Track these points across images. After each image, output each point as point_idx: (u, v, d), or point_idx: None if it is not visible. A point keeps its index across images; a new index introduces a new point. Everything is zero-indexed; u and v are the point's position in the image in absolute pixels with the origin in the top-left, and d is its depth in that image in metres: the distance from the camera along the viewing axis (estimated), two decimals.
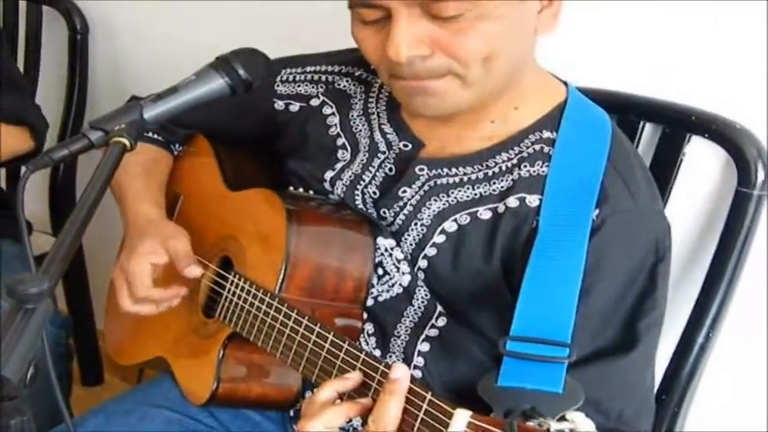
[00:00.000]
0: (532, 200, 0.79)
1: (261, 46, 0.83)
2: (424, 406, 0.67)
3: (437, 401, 0.66)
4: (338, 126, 0.93)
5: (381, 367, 0.71)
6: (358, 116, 0.92)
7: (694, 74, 0.96)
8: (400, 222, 0.85)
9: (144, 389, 1.01)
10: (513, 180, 0.81)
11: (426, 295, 0.85)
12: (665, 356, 0.95)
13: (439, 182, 0.84)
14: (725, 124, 0.92)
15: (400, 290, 0.86)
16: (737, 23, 0.92)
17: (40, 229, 1.55)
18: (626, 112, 0.97)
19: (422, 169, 0.85)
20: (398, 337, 0.87)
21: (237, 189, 0.96)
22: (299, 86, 0.96)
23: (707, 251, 0.95)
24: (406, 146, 0.88)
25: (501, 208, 0.81)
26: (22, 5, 1.59)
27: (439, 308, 0.85)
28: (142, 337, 1.04)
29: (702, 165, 0.96)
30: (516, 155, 0.82)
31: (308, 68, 0.97)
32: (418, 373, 0.86)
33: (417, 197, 0.85)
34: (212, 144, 1.04)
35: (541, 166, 0.80)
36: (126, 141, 0.70)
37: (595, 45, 1.01)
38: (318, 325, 0.78)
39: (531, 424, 0.60)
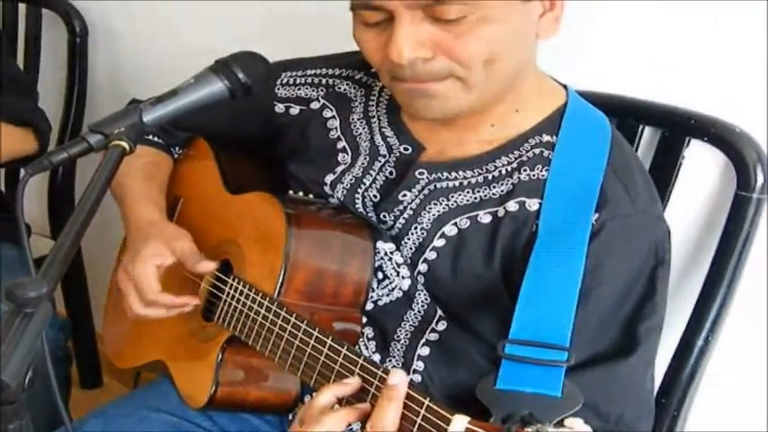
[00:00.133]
0: (532, 204, 0.79)
1: (261, 49, 0.83)
2: (422, 411, 0.67)
3: (435, 407, 0.66)
4: (338, 129, 0.93)
5: (380, 372, 0.71)
6: (358, 119, 0.92)
7: (694, 77, 0.96)
8: (400, 226, 0.85)
9: (143, 392, 1.00)
10: (512, 184, 0.81)
11: (426, 299, 0.85)
12: (664, 359, 0.95)
13: (439, 186, 0.84)
14: (724, 128, 0.92)
15: (400, 294, 0.86)
16: (737, 27, 0.92)
17: (38, 232, 1.55)
18: (625, 115, 0.97)
19: (422, 173, 0.85)
20: (398, 341, 0.87)
21: (237, 192, 0.96)
22: (299, 89, 0.96)
23: (706, 254, 0.95)
24: (406, 149, 0.88)
25: (501, 212, 0.81)
26: (22, 8, 1.59)
27: (439, 312, 0.85)
28: (141, 340, 1.04)
29: (702, 168, 0.96)
30: (516, 159, 0.82)
31: (309, 71, 0.97)
32: (418, 378, 0.85)
33: (417, 201, 0.85)
34: (212, 147, 1.04)
35: (541, 170, 0.81)
36: (125, 145, 0.70)
37: (595, 48, 1.01)
38: (317, 329, 0.78)
39: (528, 430, 0.60)
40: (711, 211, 0.97)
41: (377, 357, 0.87)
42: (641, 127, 0.98)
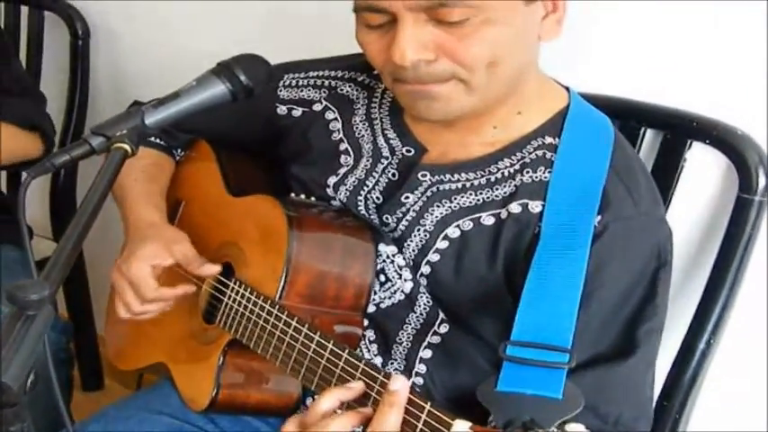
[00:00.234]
0: (535, 206, 0.79)
1: (262, 52, 0.83)
2: (423, 416, 0.67)
3: (436, 412, 0.66)
4: (341, 131, 0.93)
5: (381, 377, 0.71)
6: (361, 121, 0.92)
7: (695, 80, 0.96)
8: (403, 228, 0.85)
9: (144, 395, 1.00)
10: (515, 186, 0.81)
11: (428, 302, 0.85)
12: (666, 362, 0.95)
13: (441, 188, 0.84)
14: (726, 130, 0.92)
15: (402, 297, 0.86)
16: (738, 29, 0.92)
17: (40, 234, 1.55)
18: (627, 118, 0.97)
19: (424, 175, 0.85)
20: (400, 343, 0.87)
21: (239, 195, 0.96)
22: (301, 91, 0.96)
23: (708, 257, 0.95)
24: (408, 151, 0.88)
25: (504, 214, 0.81)
26: (24, 10, 1.59)
27: (441, 315, 0.84)
28: (142, 343, 1.04)
29: (703, 171, 0.96)
30: (519, 161, 0.82)
31: (311, 73, 0.97)
32: (420, 380, 0.85)
33: (420, 203, 0.85)
34: (214, 149, 1.04)
35: (544, 172, 0.81)
36: (127, 147, 0.70)
37: (597, 51, 1.01)
38: (318, 333, 0.77)
39: None
40: (713, 214, 0.96)
41: (378, 360, 0.87)
42: (643, 129, 0.98)
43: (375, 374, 0.71)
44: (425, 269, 0.84)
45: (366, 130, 0.91)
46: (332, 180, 0.91)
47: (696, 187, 0.96)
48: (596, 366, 0.74)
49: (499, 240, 0.80)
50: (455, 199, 0.83)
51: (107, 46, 1.59)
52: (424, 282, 0.84)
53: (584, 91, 0.90)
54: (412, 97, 0.79)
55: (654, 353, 0.79)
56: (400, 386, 0.68)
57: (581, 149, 0.81)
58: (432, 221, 0.83)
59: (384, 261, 0.86)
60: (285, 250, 0.83)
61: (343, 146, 0.92)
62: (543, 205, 0.79)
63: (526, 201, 0.80)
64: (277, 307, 0.82)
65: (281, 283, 0.83)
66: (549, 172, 0.80)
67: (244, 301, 0.86)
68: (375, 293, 0.87)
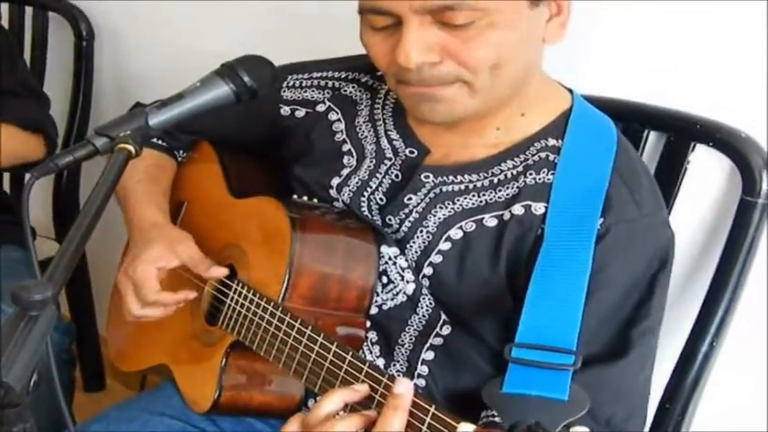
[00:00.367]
0: (538, 207, 0.79)
1: (266, 53, 0.84)
2: (428, 420, 0.66)
3: (440, 415, 0.66)
4: (344, 132, 0.93)
5: (385, 380, 0.71)
6: (364, 122, 0.92)
7: (699, 82, 0.96)
8: (406, 229, 0.85)
9: (146, 396, 1.00)
10: (518, 188, 0.81)
11: (431, 304, 0.85)
12: (668, 365, 0.95)
13: (444, 189, 0.84)
14: (729, 133, 0.92)
15: (404, 298, 0.86)
16: (742, 32, 0.92)
17: (43, 235, 1.55)
18: (630, 120, 0.97)
19: (427, 176, 0.85)
20: (402, 345, 0.87)
21: (241, 196, 0.96)
22: (305, 92, 0.96)
23: (711, 260, 0.95)
24: (412, 152, 0.88)
25: (506, 215, 0.81)
26: (29, 11, 1.60)
27: (443, 316, 0.84)
28: (145, 344, 1.04)
29: (707, 173, 0.95)
30: (521, 162, 0.82)
31: (315, 74, 0.97)
32: (422, 382, 0.85)
33: (423, 204, 0.85)
34: (216, 151, 1.04)
35: (547, 174, 0.81)
36: (131, 148, 0.70)
37: (600, 53, 1.01)
38: (322, 336, 0.77)
39: None
40: (716, 217, 0.96)
41: (381, 362, 0.87)
42: (646, 132, 0.97)
43: (379, 377, 0.71)
44: (428, 270, 0.83)
45: (369, 132, 0.91)
46: (335, 181, 0.91)
47: (699, 190, 0.96)
48: (588, 366, 0.74)
49: (502, 242, 0.80)
50: (458, 200, 0.83)
51: (111, 47, 1.60)
52: (426, 283, 0.84)
53: (587, 93, 0.90)
54: (416, 99, 0.79)
55: (648, 354, 0.79)
56: (405, 389, 0.68)
57: (584, 152, 0.81)
58: (434, 223, 0.83)
59: (386, 263, 0.86)
60: (288, 252, 0.83)
61: (346, 147, 0.92)
62: (546, 207, 0.79)
63: (529, 202, 0.80)
64: (280, 309, 0.82)
65: (284, 285, 0.83)
66: (552, 174, 0.80)
67: (246, 303, 0.86)
68: (377, 295, 0.87)
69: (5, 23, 1.56)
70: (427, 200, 0.85)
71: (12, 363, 0.51)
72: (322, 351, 0.77)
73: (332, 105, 0.94)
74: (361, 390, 0.72)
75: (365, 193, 0.89)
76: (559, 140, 0.82)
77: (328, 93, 0.95)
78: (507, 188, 0.82)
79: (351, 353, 0.74)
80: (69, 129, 1.55)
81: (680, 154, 0.96)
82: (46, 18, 1.58)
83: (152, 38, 1.54)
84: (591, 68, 1.01)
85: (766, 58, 0.90)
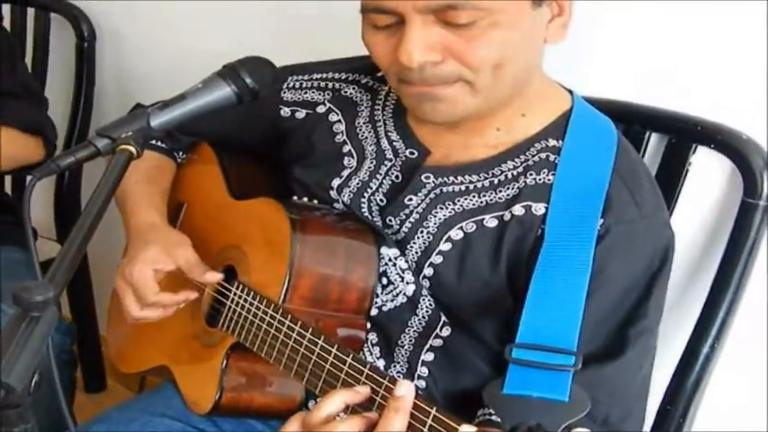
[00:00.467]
0: (538, 208, 0.80)
1: (267, 53, 0.84)
2: (429, 421, 0.66)
3: (442, 417, 0.66)
4: (344, 133, 0.93)
5: (386, 382, 0.71)
6: (364, 123, 0.92)
7: (700, 84, 0.96)
8: (406, 230, 0.85)
9: (146, 397, 1.00)
10: (518, 188, 0.81)
11: (431, 305, 0.85)
12: (669, 367, 0.94)
13: (445, 190, 0.84)
14: (731, 134, 0.92)
15: (404, 300, 0.86)
16: (744, 33, 0.92)
17: (44, 236, 1.56)
18: (632, 122, 0.97)
19: (428, 177, 0.85)
20: (402, 347, 0.87)
21: (241, 198, 0.96)
22: (305, 93, 0.96)
23: (712, 261, 0.95)
24: (412, 153, 0.88)
25: (507, 216, 0.81)
26: (30, 12, 1.60)
27: (443, 318, 0.84)
28: (145, 346, 1.04)
29: (708, 175, 0.95)
30: (522, 163, 0.82)
31: (315, 76, 0.97)
32: (422, 384, 0.85)
33: (423, 205, 0.85)
34: (216, 152, 1.04)
35: (547, 175, 0.81)
36: (133, 149, 0.71)
37: (602, 55, 1.01)
38: (322, 338, 0.77)
39: None
40: (718, 218, 0.96)
41: (381, 363, 0.87)
42: (648, 133, 0.97)
43: (380, 379, 0.71)
44: (428, 271, 0.84)
45: (369, 133, 0.91)
46: (335, 182, 0.91)
47: (701, 191, 0.96)
48: (586, 366, 0.74)
49: (502, 242, 0.80)
50: (458, 201, 0.83)
51: (112, 48, 1.60)
52: (426, 284, 0.84)
53: (588, 95, 0.90)
54: (417, 99, 0.79)
55: (646, 353, 0.79)
56: (406, 391, 0.68)
57: (584, 152, 0.81)
58: (435, 223, 0.84)
59: (386, 264, 0.86)
60: (288, 253, 0.83)
61: (346, 148, 0.92)
62: (547, 208, 0.79)
63: (529, 203, 0.80)
64: (280, 310, 0.82)
65: (285, 287, 0.83)
66: (553, 174, 0.80)
67: (247, 305, 0.86)
68: (377, 296, 0.87)
69: (7, 24, 1.56)
70: (428, 200, 0.85)
71: (13, 363, 0.51)
72: (323, 353, 0.77)
73: (332, 106, 0.95)
74: (362, 391, 0.72)
75: (365, 194, 0.89)
76: (560, 141, 0.82)
77: (329, 94, 0.95)
78: (508, 189, 0.82)
79: (351, 355, 0.74)
80: (71, 130, 1.56)
81: (681, 156, 0.95)
82: (47, 19, 1.58)
83: (153, 38, 1.54)
84: (592, 70, 1.01)
85: (767, 60, 0.90)
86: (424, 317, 0.85)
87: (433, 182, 0.85)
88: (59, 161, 0.70)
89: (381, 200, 0.88)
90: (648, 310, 0.77)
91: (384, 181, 0.89)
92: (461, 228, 0.82)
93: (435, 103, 0.78)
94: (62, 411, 0.64)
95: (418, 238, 0.84)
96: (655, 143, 0.98)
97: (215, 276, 0.90)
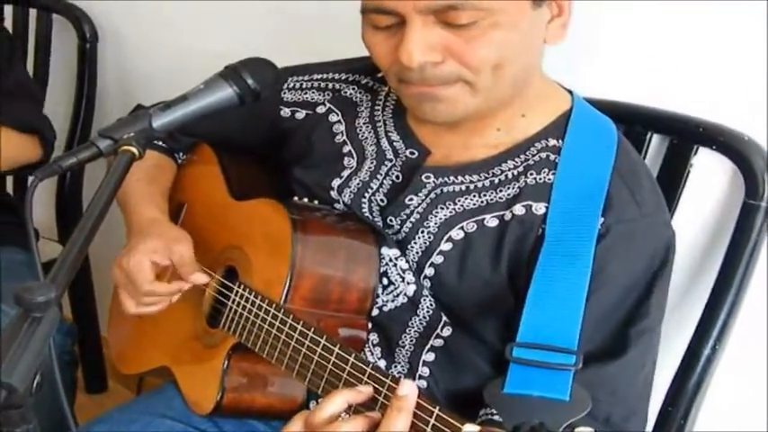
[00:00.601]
0: (539, 207, 0.80)
1: (269, 54, 0.84)
2: (432, 421, 0.66)
3: (445, 416, 0.66)
4: (344, 134, 0.93)
5: (388, 381, 0.71)
6: (364, 123, 0.92)
7: (702, 85, 0.96)
8: (407, 230, 0.85)
9: (148, 398, 1.00)
10: (519, 188, 0.81)
11: (431, 305, 0.85)
12: (671, 368, 0.94)
13: (445, 190, 0.84)
14: (732, 136, 0.91)
15: (405, 300, 0.86)
16: (746, 35, 0.92)
17: (46, 236, 1.56)
18: (633, 123, 0.97)
19: (428, 177, 0.86)
20: (403, 347, 0.87)
21: (242, 199, 0.96)
22: (305, 94, 0.97)
23: (714, 263, 0.94)
24: (412, 153, 0.88)
25: (507, 215, 0.81)
26: (32, 13, 1.60)
27: (444, 318, 0.85)
28: (146, 347, 1.04)
29: (710, 176, 0.95)
30: (522, 163, 0.82)
31: (315, 76, 0.97)
32: (424, 384, 0.85)
33: (424, 205, 0.85)
34: (217, 153, 1.04)
35: (548, 174, 0.81)
36: (135, 150, 0.71)
37: (603, 56, 1.01)
38: (324, 337, 0.77)
39: None
40: (719, 219, 0.96)
41: (382, 363, 0.87)
42: (649, 134, 0.97)
43: (383, 378, 0.71)
44: (429, 271, 0.84)
45: (369, 133, 0.92)
46: (336, 182, 0.91)
47: (702, 193, 0.96)
48: (587, 365, 0.74)
49: (503, 242, 0.80)
50: (459, 201, 0.83)
51: (114, 48, 1.60)
52: (427, 284, 0.84)
53: (590, 96, 0.90)
54: (417, 99, 0.79)
55: (648, 352, 0.79)
56: (409, 391, 0.68)
57: (585, 152, 0.81)
58: (435, 223, 0.84)
59: (387, 264, 0.86)
60: (289, 254, 0.83)
61: (346, 148, 0.92)
62: (547, 207, 0.79)
63: (530, 202, 0.80)
64: (282, 311, 0.82)
65: (286, 287, 0.83)
66: (553, 174, 0.80)
67: (248, 305, 0.86)
68: (378, 297, 0.87)
69: (9, 25, 1.56)
70: (428, 200, 0.85)
71: (15, 364, 0.51)
72: (325, 353, 0.77)
73: (332, 107, 0.95)
74: (365, 391, 0.72)
75: (366, 195, 0.89)
76: (560, 141, 0.82)
77: (329, 94, 0.95)
78: (508, 188, 0.82)
79: (354, 354, 0.75)
80: (73, 130, 1.56)
81: (683, 157, 0.95)
82: (49, 20, 1.58)
83: (155, 39, 1.55)
84: (594, 71, 1.01)
85: None
86: (424, 317, 0.85)
87: (434, 182, 0.85)
88: (61, 162, 0.70)
89: (382, 200, 0.88)
90: (650, 309, 0.77)
91: (384, 181, 0.89)
92: (462, 228, 0.82)
93: (435, 103, 0.78)
94: (64, 412, 0.64)
95: (419, 238, 0.84)
96: (656, 144, 0.98)
97: (201, 278, 0.89)
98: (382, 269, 0.86)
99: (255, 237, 0.91)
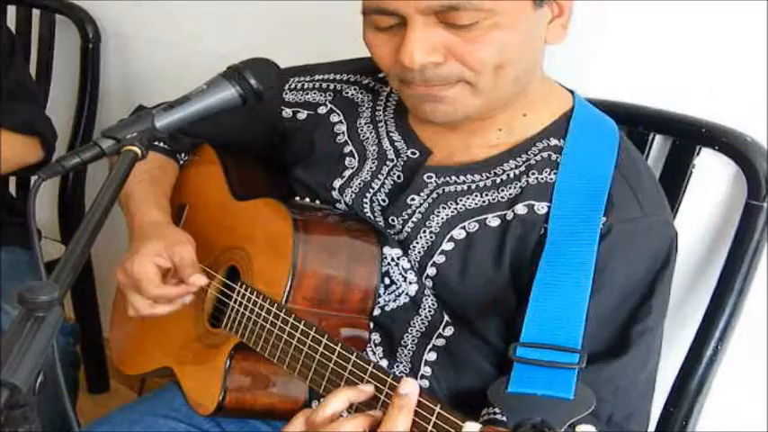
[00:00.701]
0: (541, 207, 0.80)
1: (270, 56, 0.84)
2: (433, 419, 0.66)
3: (446, 414, 0.66)
4: (346, 134, 0.93)
5: (389, 380, 0.71)
6: (366, 124, 0.93)
7: (705, 86, 0.95)
8: (409, 230, 0.85)
9: (150, 399, 1.00)
10: (521, 187, 0.81)
11: (433, 305, 0.85)
12: (673, 369, 0.94)
13: (447, 189, 0.84)
14: (735, 137, 0.92)
15: (407, 299, 0.86)
16: (749, 36, 0.92)
17: (48, 236, 1.56)
18: (636, 123, 0.97)
19: (430, 177, 0.86)
20: (405, 346, 0.87)
21: (244, 199, 0.96)
22: (306, 94, 0.97)
23: (716, 263, 0.94)
24: (414, 153, 0.88)
25: (509, 215, 0.81)
26: (36, 14, 1.60)
27: (446, 317, 0.85)
28: (148, 347, 1.04)
29: (712, 177, 0.95)
30: (524, 162, 0.82)
31: (317, 77, 0.98)
32: (426, 383, 0.85)
33: (426, 205, 0.85)
34: (218, 153, 1.04)
35: (549, 174, 0.81)
36: (138, 150, 0.71)
37: (606, 57, 1.01)
38: (326, 336, 0.78)
39: None
40: (721, 220, 0.96)
41: (384, 363, 0.87)
42: (652, 135, 0.97)
43: (384, 377, 0.71)
44: (431, 271, 0.84)
45: (371, 133, 0.92)
46: (337, 183, 0.91)
47: (705, 193, 0.96)
48: (589, 364, 0.73)
49: (505, 242, 0.80)
50: (461, 201, 0.83)
51: (118, 50, 1.60)
52: (429, 284, 0.84)
53: (593, 96, 0.90)
54: (418, 99, 0.79)
55: (649, 352, 0.79)
56: (410, 389, 0.68)
57: (586, 151, 0.81)
58: (437, 223, 0.84)
59: (389, 264, 0.86)
60: (291, 254, 0.83)
61: (347, 148, 0.92)
62: (549, 206, 0.79)
63: (532, 202, 0.80)
64: (284, 310, 0.82)
65: (287, 287, 0.83)
66: (555, 173, 0.80)
67: (250, 305, 0.87)
68: (380, 296, 0.87)
69: (12, 26, 1.56)
70: (430, 200, 0.85)
71: (18, 363, 0.51)
72: (326, 352, 0.77)
73: (334, 107, 0.95)
74: (366, 390, 0.72)
75: (368, 195, 0.89)
76: (561, 140, 0.82)
77: (330, 95, 0.96)
78: (510, 188, 0.82)
79: (355, 353, 0.75)
80: (75, 131, 1.56)
81: (685, 157, 0.95)
82: (53, 21, 1.59)
83: (158, 40, 1.55)
84: (597, 71, 1.01)
85: None
86: (426, 317, 0.85)
87: (436, 182, 0.85)
88: (65, 162, 0.70)
89: (383, 200, 0.88)
90: (652, 308, 0.77)
91: (386, 181, 0.89)
92: (464, 227, 0.82)
93: (436, 103, 0.78)
94: (66, 412, 0.64)
95: (421, 237, 0.84)
96: (659, 145, 0.98)
97: (201, 279, 0.89)
98: (384, 269, 0.86)
99: (257, 237, 0.91)
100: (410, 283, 0.85)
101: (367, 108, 0.93)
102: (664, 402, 0.95)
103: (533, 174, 0.81)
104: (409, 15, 0.74)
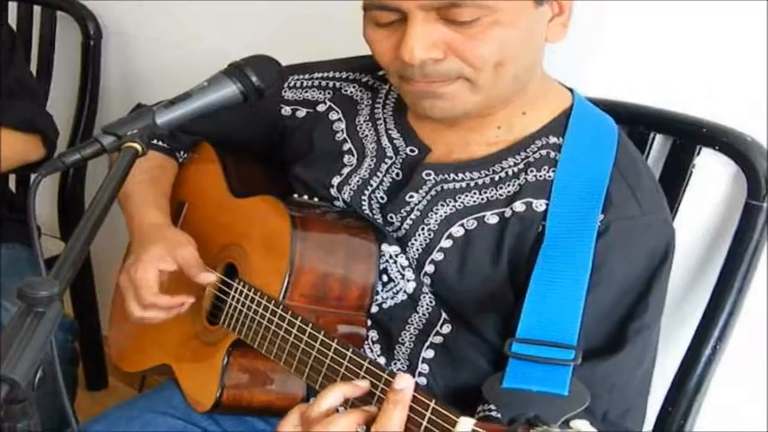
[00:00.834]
0: (539, 204, 0.80)
1: (271, 54, 0.84)
2: (428, 414, 0.67)
3: (441, 409, 0.66)
4: (345, 131, 0.93)
5: (385, 375, 0.71)
6: (365, 121, 0.93)
7: (705, 86, 0.95)
8: (407, 227, 0.85)
9: (148, 396, 1.01)
10: (519, 185, 0.81)
11: (431, 302, 0.85)
12: (671, 368, 0.94)
13: (446, 187, 0.84)
14: (735, 137, 0.92)
15: (405, 297, 0.86)
16: (749, 36, 0.92)
17: (47, 233, 1.56)
18: (636, 123, 0.97)
19: (428, 174, 0.86)
20: (403, 344, 0.87)
21: (242, 196, 0.97)
22: (306, 92, 0.97)
23: (716, 263, 0.94)
24: (412, 151, 0.88)
25: (508, 212, 0.81)
26: (37, 10, 1.60)
27: (444, 315, 0.85)
28: (146, 345, 1.04)
29: (712, 177, 0.95)
30: (523, 160, 0.82)
31: (316, 75, 0.98)
32: (423, 381, 0.85)
33: (424, 202, 0.85)
34: (217, 151, 1.05)
35: (548, 171, 0.81)
36: (138, 146, 0.71)
37: (607, 56, 1.01)
38: (322, 333, 0.78)
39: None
40: (721, 220, 0.96)
41: (382, 360, 0.87)
42: (652, 135, 0.97)
43: (379, 373, 0.71)
44: (429, 268, 0.84)
45: (370, 131, 0.92)
46: (336, 180, 0.91)
47: (704, 193, 0.96)
48: (585, 361, 0.73)
49: (503, 239, 0.80)
50: (459, 198, 0.83)
51: (119, 47, 1.60)
52: (427, 281, 0.84)
53: (593, 95, 0.90)
54: (418, 95, 0.79)
55: (646, 349, 0.79)
56: (405, 385, 0.68)
57: (585, 149, 0.81)
58: (436, 220, 0.84)
59: (387, 261, 0.86)
60: (289, 251, 0.83)
61: (346, 146, 0.92)
62: (547, 204, 0.79)
63: (530, 199, 0.80)
64: (281, 307, 0.82)
65: (285, 284, 0.83)
66: (554, 171, 0.80)
67: (248, 302, 0.87)
68: (378, 294, 0.87)
69: (13, 23, 1.56)
70: (428, 198, 0.85)
71: (17, 359, 0.51)
72: (323, 348, 0.77)
73: (333, 105, 0.95)
74: (362, 385, 0.72)
75: (366, 192, 0.89)
76: (560, 138, 0.82)
77: (329, 93, 0.96)
78: (508, 185, 0.82)
79: (351, 349, 0.75)
80: (76, 127, 1.56)
81: (685, 157, 0.95)
82: (54, 17, 1.59)
83: (159, 37, 1.55)
84: (597, 71, 1.01)
85: None
86: (424, 314, 0.85)
87: (434, 179, 0.85)
88: (65, 158, 0.70)
89: (382, 197, 0.88)
90: (649, 306, 0.77)
91: (385, 178, 0.89)
92: (462, 225, 0.83)
93: (435, 100, 0.78)
94: (65, 409, 0.64)
95: (419, 235, 0.84)
96: (659, 144, 0.98)
97: (209, 277, 0.90)
98: (382, 266, 0.86)
99: (255, 234, 0.91)
100: (408, 280, 0.85)
101: (366, 106, 0.93)
102: (662, 402, 0.95)
103: (532, 171, 0.81)
104: (410, 11, 0.74)
